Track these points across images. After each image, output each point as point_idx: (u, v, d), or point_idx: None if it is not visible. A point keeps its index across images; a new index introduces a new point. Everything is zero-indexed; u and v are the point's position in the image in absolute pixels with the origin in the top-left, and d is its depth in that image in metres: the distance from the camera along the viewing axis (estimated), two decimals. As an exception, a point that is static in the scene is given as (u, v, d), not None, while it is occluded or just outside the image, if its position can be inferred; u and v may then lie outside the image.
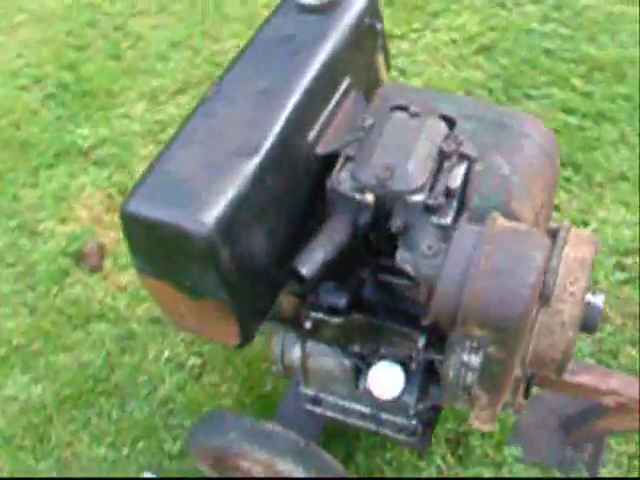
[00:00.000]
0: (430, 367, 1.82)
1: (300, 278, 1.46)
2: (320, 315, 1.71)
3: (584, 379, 2.04)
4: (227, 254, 1.37)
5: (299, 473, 1.84)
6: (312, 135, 1.56)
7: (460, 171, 1.53)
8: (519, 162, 1.59)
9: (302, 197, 1.58)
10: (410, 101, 1.60)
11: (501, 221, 1.42)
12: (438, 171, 1.51)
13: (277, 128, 1.46)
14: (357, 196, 1.50)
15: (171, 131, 2.89)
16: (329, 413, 2.01)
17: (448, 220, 1.48)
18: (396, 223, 1.49)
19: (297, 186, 1.56)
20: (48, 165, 3.07)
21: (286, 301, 1.77)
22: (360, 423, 1.99)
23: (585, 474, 2.19)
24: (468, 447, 2.23)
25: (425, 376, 1.83)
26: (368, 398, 1.87)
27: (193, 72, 3.42)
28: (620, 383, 2.05)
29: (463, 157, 1.53)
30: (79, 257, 2.72)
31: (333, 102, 1.62)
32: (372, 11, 1.74)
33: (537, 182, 1.61)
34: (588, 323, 1.74)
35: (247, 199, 1.39)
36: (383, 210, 1.51)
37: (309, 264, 1.46)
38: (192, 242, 1.33)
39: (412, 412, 1.85)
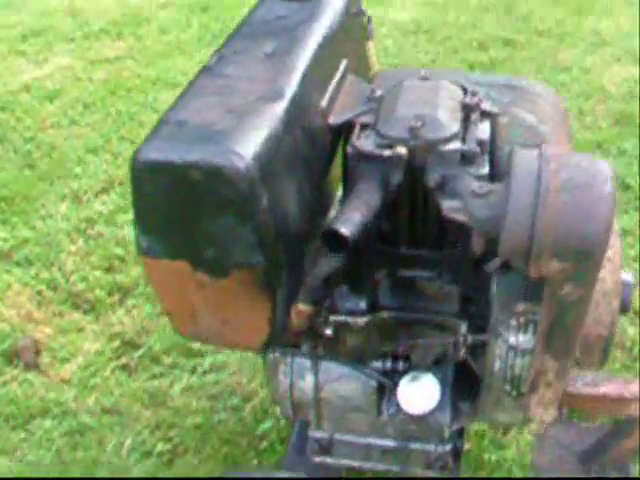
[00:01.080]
0: (460, 379, 1.62)
1: (337, 244, 1.27)
2: (342, 318, 1.51)
3: (608, 388, 1.88)
4: (266, 199, 1.17)
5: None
6: (324, 104, 1.43)
7: (486, 125, 1.43)
8: (541, 114, 1.52)
9: (321, 162, 1.42)
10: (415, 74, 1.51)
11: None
12: (466, 123, 1.40)
13: (296, 80, 1.32)
14: (387, 152, 1.36)
15: (101, 227, 2.70)
16: (343, 461, 1.74)
17: (486, 170, 1.36)
18: (433, 177, 1.34)
19: (317, 149, 1.39)
20: (-33, 269, 2.75)
21: (296, 314, 1.54)
22: (381, 466, 1.73)
23: None
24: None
25: (456, 391, 1.63)
26: (394, 426, 1.64)
27: (116, 172, 3.25)
28: (645, 387, 1.91)
29: (485, 113, 1.45)
30: (11, 354, 2.38)
31: (336, 78, 1.51)
32: (356, 1, 1.68)
33: (561, 131, 1.53)
34: (622, 301, 1.60)
35: (279, 141, 1.21)
36: (416, 165, 1.37)
37: (348, 224, 1.27)
38: (228, 182, 1.12)
39: (447, 433, 1.62)
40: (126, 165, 3.21)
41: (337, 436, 1.69)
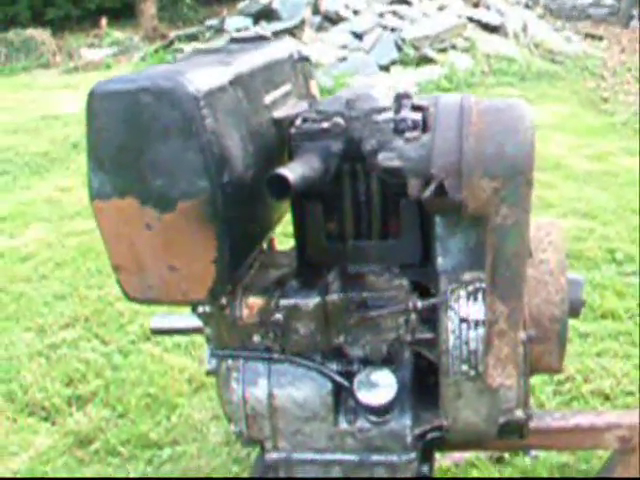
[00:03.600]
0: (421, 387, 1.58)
1: (280, 190, 1.32)
2: (292, 301, 1.51)
3: (578, 419, 1.84)
4: (212, 121, 1.24)
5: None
6: (268, 100, 1.54)
7: (418, 113, 1.53)
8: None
9: (267, 147, 1.49)
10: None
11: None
12: (398, 104, 1.51)
13: (244, 68, 1.45)
14: (326, 124, 1.45)
15: (63, 350, 2.70)
16: (304, 489, 1.63)
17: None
18: (370, 143, 1.43)
19: (262, 131, 1.48)
20: None
21: (247, 307, 1.54)
22: (345, 488, 1.62)
23: None
24: None
25: (415, 397, 1.58)
26: (354, 436, 1.57)
27: (82, 310, 3.26)
28: (616, 416, 1.86)
29: (417, 108, 1.56)
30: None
31: (281, 91, 1.64)
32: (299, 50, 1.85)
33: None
34: (572, 300, 1.61)
35: (225, 90, 1.32)
36: (354, 135, 1.45)
37: (292, 171, 1.33)
38: (174, 102, 1.21)
39: (409, 439, 1.55)
40: (93, 305, 3.26)
41: (295, 455, 1.60)
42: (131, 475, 2.15)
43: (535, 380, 2.50)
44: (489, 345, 1.39)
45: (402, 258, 1.57)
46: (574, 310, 1.62)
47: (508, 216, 1.28)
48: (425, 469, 1.62)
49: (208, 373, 1.69)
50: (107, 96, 1.24)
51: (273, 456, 1.61)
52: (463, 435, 1.61)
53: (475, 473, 2.10)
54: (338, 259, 1.59)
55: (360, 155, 1.45)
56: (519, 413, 1.55)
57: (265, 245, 1.80)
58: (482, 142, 1.26)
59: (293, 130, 1.49)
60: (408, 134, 1.37)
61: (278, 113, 1.56)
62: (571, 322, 2.87)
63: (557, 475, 2.12)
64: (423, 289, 1.54)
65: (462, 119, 1.27)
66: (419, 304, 1.47)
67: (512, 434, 1.62)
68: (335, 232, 1.59)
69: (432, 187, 1.29)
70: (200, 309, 1.59)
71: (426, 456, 1.65)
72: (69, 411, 2.49)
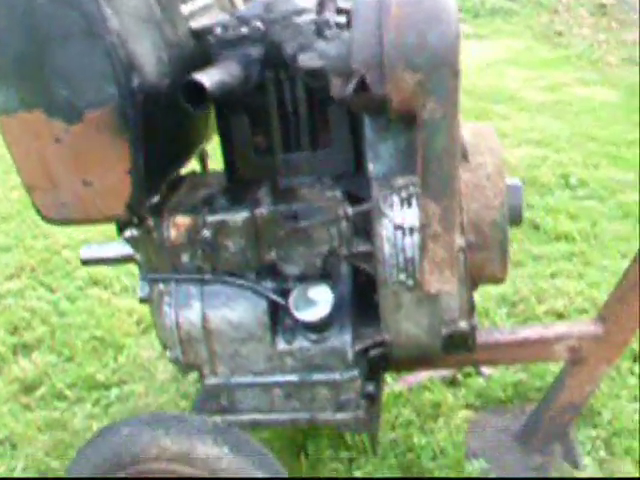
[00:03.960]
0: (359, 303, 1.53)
1: (197, 98, 1.24)
2: (220, 216, 1.44)
3: (527, 333, 1.81)
4: (116, 22, 1.16)
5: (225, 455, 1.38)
6: (185, 10, 1.46)
7: (342, 17, 1.46)
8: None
9: (182, 52, 1.41)
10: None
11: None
12: (322, 8, 1.43)
13: None
14: (245, 29, 1.37)
15: (9, 300, 2.61)
16: (246, 417, 1.58)
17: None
18: (290, 46, 1.36)
19: (177, 37, 1.40)
20: None
21: (174, 226, 1.47)
22: (287, 416, 1.58)
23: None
24: (422, 471, 1.81)
25: (355, 313, 1.53)
26: (293, 355, 1.52)
27: (28, 260, 3.16)
28: (565, 327, 1.84)
29: (341, 11, 1.48)
30: None
31: (200, 2, 1.55)
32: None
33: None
34: (512, 206, 1.55)
35: None
36: (274, 40, 1.38)
37: (208, 77, 1.25)
38: (72, 2, 1.13)
39: (350, 355, 1.50)
40: (39, 255, 3.16)
41: (235, 379, 1.55)
42: (78, 414, 2.08)
43: (489, 302, 2.48)
44: (424, 249, 1.33)
45: (334, 168, 1.51)
46: (514, 217, 1.56)
47: (435, 110, 1.22)
48: (370, 388, 1.58)
49: (141, 300, 1.62)
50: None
51: (212, 381, 1.56)
52: (406, 350, 1.56)
53: (428, 395, 2.07)
54: (268, 174, 1.53)
55: (282, 61, 1.38)
56: (463, 324, 1.51)
57: (198, 167, 1.73)
58: (403, 33, 1.19)
59: (211, 39, 1.41)
60: (329, 33, 1.29)
61: (196, 23, 1.47)
62: (525, 245, 2.90)
63: (510, 392, 2.10)
64: (357, 199, 1.48)
65: (381, 11, 1.19)
66: (349, 211, 1.41)
67: (458, 348, 1.58)
68: (263, 145, 1.53)
69: (353, 83, 1.22)
70: (127, 233, 1.52)
71: (372, 375, 1.61)
72: (14, 359, 2.41)
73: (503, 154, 1.53)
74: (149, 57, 1.27)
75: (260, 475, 1.38)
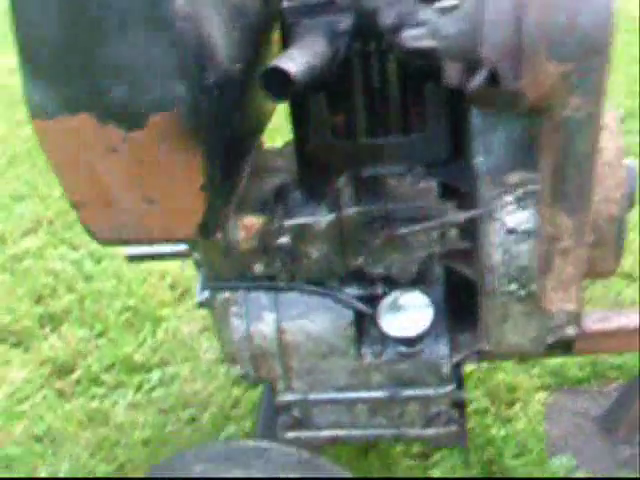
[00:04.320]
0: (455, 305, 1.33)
1: (280, 87, 0.99)
2: (301, 220, 1.22)
3: (623, 321, 1.61)
4: (182, 3, 0.90)
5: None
6: None
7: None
8: None
9: (248, 22, 1.15)
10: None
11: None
12: None
13: None
14: None
15: (28, 262, 2.41)
16: (324, 433, 1.41)
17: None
18: (388, 16, 1.10)
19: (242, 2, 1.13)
20: None
21: (243, 229, 1.25)
22: (371, 432, 1.40)
23: None
24: (505, 469, 1.65)
25: (448, 318, 1.33)
26: (380, 370, 1.33)
27: (44, 213, 2.94)
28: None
29: None
30: None
31: None
32: None
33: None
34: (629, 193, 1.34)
35: None
36: (367, 6, 1.12)
37: (292, 61, 1.00)
38: None
39: (446, 369, 1.31)
40: (56, 205, 2.93)
41: (312, 396, 1.37)
42: (119, 403, 1.91)
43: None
44: (549, 265, 1.13)
45: (428, 156, 1.28)
46: (630, 203, 1.35)
47: (580, 108, 0.98)
48: (460, 396, 1.40)
49: (199, 305, 1.42)
50: None
51: (286, 397, 1.38)
52: (504, 356, 1.39)
53: (501, 376, 1.90)
54: (348, 160, 1.30)
55: (374, 32, 1.13)
56: (570, 330, 1.32)
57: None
58: (548, 13, 0.94)
59: (287, 4, 1.15)
60: (442, 2, 1.04)
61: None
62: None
63: (588, 371, 1.93)
64: (453, 191, 1.25)
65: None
66: (461, 217, 1.19)
67: (558, 350, 1.40)
68: (343, 127, 1.29)
69: (482, 74, 0.98)
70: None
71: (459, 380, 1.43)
72: (42, 333, 2.23)
73: (622, 135, 1.31)
74: (221, 39, 1.02)
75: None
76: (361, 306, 1.29)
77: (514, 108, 1.03)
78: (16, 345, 2.20)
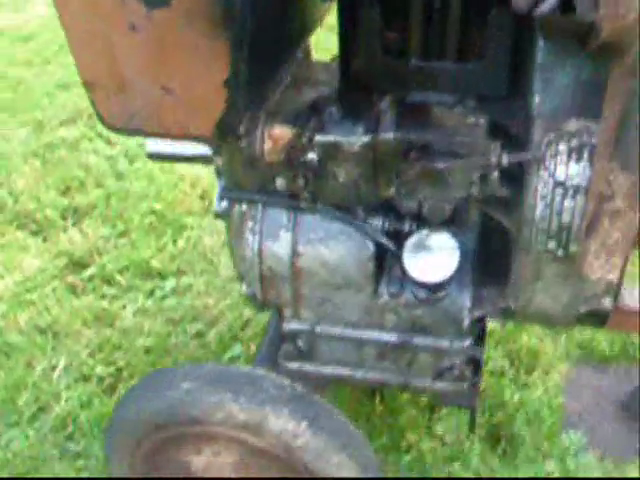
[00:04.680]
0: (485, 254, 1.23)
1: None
2: (331, 138, 1.11)
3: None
4: None
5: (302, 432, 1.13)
6: None
7: None
8: None
9: None
10: None
11: None
12: None
13: None
14: None
15: (62, 152, 2.35)
16: (327, 369, 1.33)
17: None
18: None
19: None
20: None
21: (270, 138, 1.15)
22: (376, 376, 1.32)
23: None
24: (512, 436, 1.56)
25: (479, 269, 1.23)
26: (396, 312, 1.23)
27: (86, 104, 2.86)
28: None
29: None
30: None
31: None
32: None
33: None
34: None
35: None
36: None
37: None
38: None
39: (466, 323, 1.22)
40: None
41: (320, 328, 1.29)
42: (128, 307, 1.86)
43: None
44: (595, 226, 1.01)
45: (482, 88, 1.16)
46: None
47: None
48: (477, 353, 1.31)
49: (217, 215, 1.34)
50: None
51: (292, 326, 1.30)
52: (530, 319, 1.28)
53: (525, 339, 1.80)
54: (396, 82, 1.18)
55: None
56: (606, 302, 1.21)
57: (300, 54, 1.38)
58: None
59: None
60: None
61: None
62: None
63: (617, 349, 1.82)
64: (504, 132, 1.14)
65: None
66: (505, 159, 1.07)
67: (591, 323, 1.30)
68: (396, 46, 1.17)
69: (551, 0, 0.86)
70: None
71: (479, 337, 1.33)
72: (63, 225, 2.17)
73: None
74: None
75: (345, 460, 1.14)
76: (385, 241, 1.19)
77: (586, 43, 0.90)
78: (35, 233, 2.15)
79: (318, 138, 1.12)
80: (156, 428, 1.17)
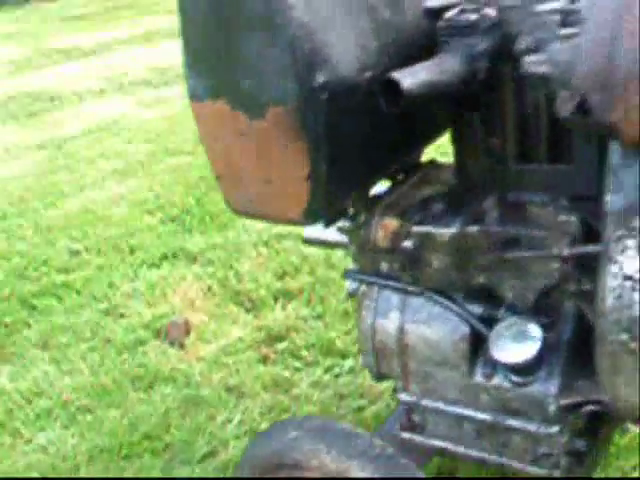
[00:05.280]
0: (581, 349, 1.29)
1: (393, 97, 1.08)
2: (425, 228, 1.28)
3: None
4: (299, 13, 1.04)
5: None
6: None
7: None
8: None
9: (402, 37, 1.24)
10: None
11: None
12: None
13: None
14: (474, 16, 1.17)
15: (288, 242, 2.67)
16: (434, 442, 1.44)
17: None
18: (525, 41, 1.12)
19: (401, 19, 1.23)
20: (151, 264, 2.85)
21: (381, 228, 1.34)
22: (475, 453, 1.41)
23: None
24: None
25: (570, 361, 1.29)
26: (489, 392, 1.33)
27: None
28: None
29: None
30: (160, 331, 2.37)
31: None
32: None
33: None
34: None
35: None
36: (509, 31, 1.16)
37: (409, 76, 1.08)
38: None
39: (552, 409, 1.28)
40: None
41: (425, 401, 1.41)
42: (305, 379, 2.09)
43: None
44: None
45: (572, 188, 1.26)
46: None
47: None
48: (579, 445, 1.34)
49: (349, 295, 1.54)
50: None
51: (403, 397, 1.43)
52: (626, 414, 1.30)
53: None
54: (497, 182, 1.32)
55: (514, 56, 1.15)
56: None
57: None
58: (641, 42, 0.91)
59: (441, 23, 1.22)
60: (565, 30, 1.04)
61: (431, 2, 1.29)
62: None
63: None
64: (593, 229, 1.22)
65: (621, 13, 0.92)
66: (565, 251, 1.16)
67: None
68: (498, 149, 1.31)
69: (573, 102, 0.97)
70: (339, 223, 1.43)
71: (586, 430, 1.36)
72: (272, 305, 2.49)
73: None
74: (345, 49, 1.12)
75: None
76: (477, 324, 1.30)
77: (614, 139, 1.00)
78: (248, 310, 2.48)
79: (414, 228, 1.29)
80: (270, 467, 1.37)
